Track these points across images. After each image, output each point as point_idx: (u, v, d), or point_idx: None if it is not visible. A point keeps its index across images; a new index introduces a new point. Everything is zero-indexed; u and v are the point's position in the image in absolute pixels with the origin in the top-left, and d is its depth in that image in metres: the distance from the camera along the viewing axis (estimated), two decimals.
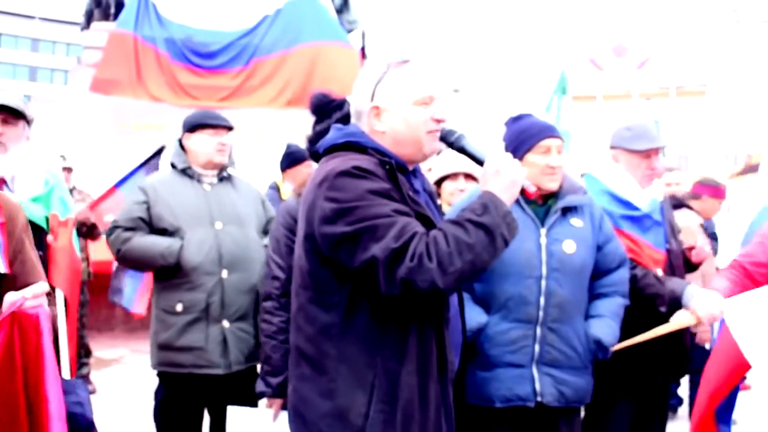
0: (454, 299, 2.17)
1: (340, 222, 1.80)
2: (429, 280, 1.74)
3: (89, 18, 10.25)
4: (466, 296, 2.70)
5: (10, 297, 1.76)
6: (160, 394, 3.48)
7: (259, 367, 3.09)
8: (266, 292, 2.87)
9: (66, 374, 2.67)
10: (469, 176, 3.31)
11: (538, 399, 2.62)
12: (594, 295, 2.77)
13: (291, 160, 4.76)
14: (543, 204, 2.74)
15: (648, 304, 2.96)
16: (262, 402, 2.95)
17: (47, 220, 2.75)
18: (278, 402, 2.80)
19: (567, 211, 2.73)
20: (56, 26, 62.76)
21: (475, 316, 2.66)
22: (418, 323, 1.90)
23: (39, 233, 2.64)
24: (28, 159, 2.76)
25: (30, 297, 1.76)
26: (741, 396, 3.16)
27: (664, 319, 2.94)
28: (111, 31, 8.15)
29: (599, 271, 2.78)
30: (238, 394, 3.19)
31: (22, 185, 2.71)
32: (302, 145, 4.28)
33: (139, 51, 7.76)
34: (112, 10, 9.84)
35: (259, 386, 2.85)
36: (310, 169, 4.82)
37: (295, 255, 2.02)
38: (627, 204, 3.04)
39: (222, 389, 3.32)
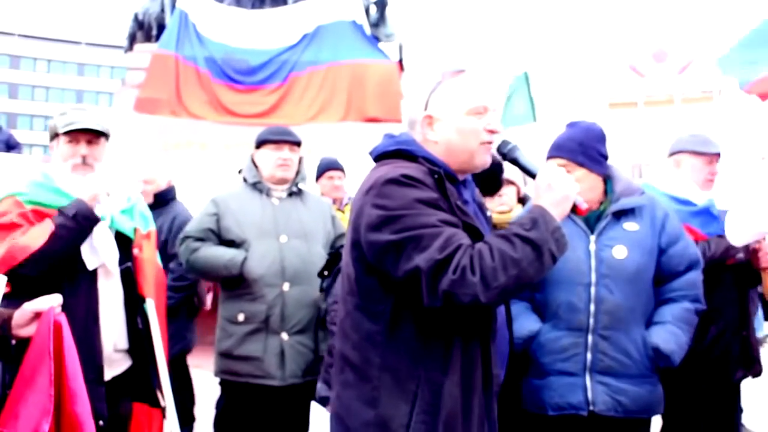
0: (501, 308, 2.13)
1: (385, 230, 1.79)
2: (471, 293, 1.71)
3: (132, 40, 10.50)
4: (524, 304, 2.74)
5: (39, 304, 1.99)
6: (221, 403, 3.55)
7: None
8: None
9: (165, 378, 2.76)
10: (509, 182, 3.29)
11: (591, 408, 2.57)
12: (661, 301, 2.69)
13: (317, 174, 4.97)
14: (596, 209, 2.71)
15: (726, 266, 3.13)
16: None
17: (135, 231, 2.82)
18: None
19: (622, 214, 2.67)
20: (101, 50, 64.57)
21: (528, 325, 2.67)
22: (463, 335, 1.87)
23: (128, 245, 2.77)
24: (113, 174, 2.85)
25: (56, 305, 1.99)
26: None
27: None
28: (153, 52, 8.30)
29: (665, 274, 2.69)
30: (294, 408, 3.20)
31: (109, 199, 2.78)
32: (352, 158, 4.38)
33: (180, 70, 7.90)
34: (154, 32, 10.08)
35: (323, 391, 2.78)
36: (332, 182, 4.93)
37: (342, 262, 2.02)
38: (685, 202, 3.21)
39: (278, 402, 3.34)
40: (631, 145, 27.46)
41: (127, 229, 2.77)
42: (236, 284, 3.37)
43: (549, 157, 2.71)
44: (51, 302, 2.00)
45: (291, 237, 3.38)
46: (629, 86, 26.92)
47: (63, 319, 2.00)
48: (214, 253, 3.37)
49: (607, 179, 2.75)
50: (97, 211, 2.63)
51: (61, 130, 2.71)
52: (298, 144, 3.56)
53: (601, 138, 2.75)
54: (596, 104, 30.00)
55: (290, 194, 3.55)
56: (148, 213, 3.02)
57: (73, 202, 2.58)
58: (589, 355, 2.58)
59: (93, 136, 2.74)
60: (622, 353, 2.57)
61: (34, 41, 64.26)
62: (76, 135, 2.71)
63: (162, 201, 4.28)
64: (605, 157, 2.77)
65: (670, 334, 2.59)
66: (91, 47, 65.59)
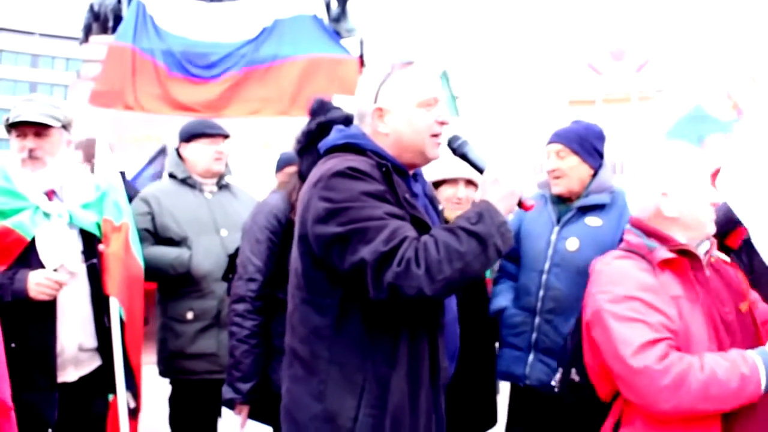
0: (452, 304, 2.14)
1: (332, 222, 1.78)
2: (416, 286, 1.71)
3: (88, 32, 10.26)
4: (510, 284, 3.03)
5: None
6: (174, 402, 3.49)
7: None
8: (239, 295, 2.71)
9: (121, 388, 2.66)
10: (470, 182, 3.27)
11: (527, 382, 2.83)
12: None
13: (276, 168, 4.89)
14: (570, 203, 2.93)
15: None
16: (226, 412, 2.84)
17: (99, 226, 2.70)
18: (246, 409, 2.71)
19: (588, 210, 2.83)
20: (55, 42, 63.10)
21: (500, 301, 2.98)
22: (410, 328, 1.87)
23: (92, 241, 2.66)
24: (73, 166, 2.72)
25: None
26: None
27: None
28: (110, 44, 8.14)
29: None
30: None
31: (70, 193, 2.67)
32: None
33: (137, 63, 7.76)
34: (111, 24, 9.86)
35: (227, 393, 2.70)
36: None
37: (291, 256, 2.00)
38: None
39: None
40: None
41: (88, 225, 2.67)
42: (180, 283, 3.30)
43: (548, 143, 2.91)
44: None
45: (230, 230, 3.34)
46: (588, 84, 27.33)
47: None
48: (156, 253, 3.27)
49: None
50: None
51: (8, 124, 2.62)
52: (228, 137, 3.55)
53: (599, 136, 2.95)
54: (556, 101, 30.36)
55: (220, 188, 3.51)
56: (125, 203, 2.89)
57: (17, 286, 2.43)
58: (534, 335, 2.83)
59: (41, 128, 2.60)
60: (561, 337, 2.72)
61: None
62: (23, 128, 2.59)
63: None
64: (600, 155, 2.94)
65: None
66: (45, 38, 64.01)
